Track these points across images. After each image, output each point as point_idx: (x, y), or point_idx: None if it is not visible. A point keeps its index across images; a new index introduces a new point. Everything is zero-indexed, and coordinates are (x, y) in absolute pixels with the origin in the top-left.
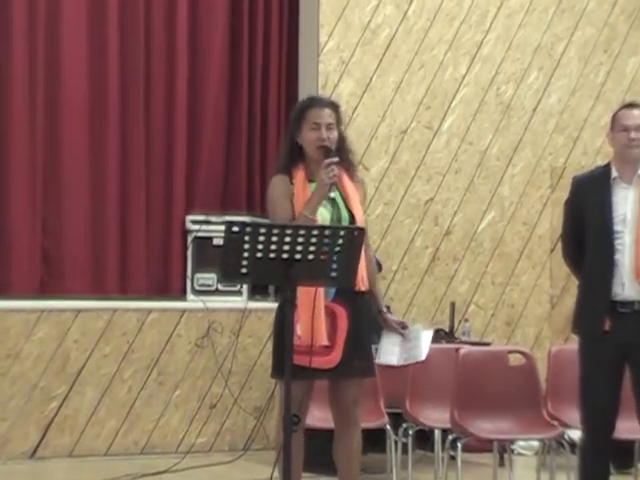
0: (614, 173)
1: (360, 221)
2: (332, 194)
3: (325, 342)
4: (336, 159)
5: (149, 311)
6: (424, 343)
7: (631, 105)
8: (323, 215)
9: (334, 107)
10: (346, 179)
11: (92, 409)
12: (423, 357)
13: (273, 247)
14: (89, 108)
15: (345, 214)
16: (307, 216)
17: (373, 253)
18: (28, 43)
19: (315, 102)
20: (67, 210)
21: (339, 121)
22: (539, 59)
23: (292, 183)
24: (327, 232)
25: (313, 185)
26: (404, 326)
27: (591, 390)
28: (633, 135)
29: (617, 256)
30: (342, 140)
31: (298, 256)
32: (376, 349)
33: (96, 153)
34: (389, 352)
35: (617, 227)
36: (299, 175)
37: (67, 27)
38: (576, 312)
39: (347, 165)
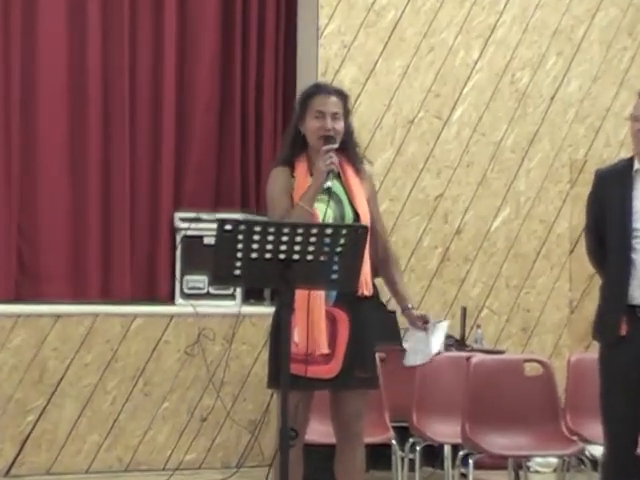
0: (636, 165)
1: (365, 219)
2: (329, 183)
3: (325, 350)
4: (335, 145)
5: (134, 316)
6: (435, 337)
7: None
8: (319, 209)
9: (342, 96)
10: (351, 174)
11: (72, 423)
12: (434, 352)
13: (269, 247)
14: (68, 99)
15: (349, 211)
16: (303, 207)
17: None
18: (3, 44)
19: (321, 89)
20: (44, 208)
21: (347, 112)
22: (558, 43)
23: (293, 176)
24: (328, 231)
25: None
26: (426, 320)
27: (610, 401)
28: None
29: (634, 256)
30: (349, 133)
31: (296, 256)
32: (404, 351)
33: (76, 146)
34: (412, 351)
35: (636, 224)
36: (301, 167)
37: (44, 28)
38: (596, 316)
39: (353, 159)
